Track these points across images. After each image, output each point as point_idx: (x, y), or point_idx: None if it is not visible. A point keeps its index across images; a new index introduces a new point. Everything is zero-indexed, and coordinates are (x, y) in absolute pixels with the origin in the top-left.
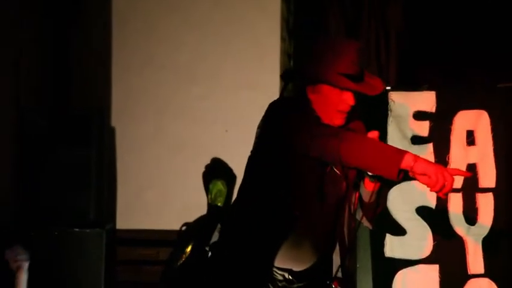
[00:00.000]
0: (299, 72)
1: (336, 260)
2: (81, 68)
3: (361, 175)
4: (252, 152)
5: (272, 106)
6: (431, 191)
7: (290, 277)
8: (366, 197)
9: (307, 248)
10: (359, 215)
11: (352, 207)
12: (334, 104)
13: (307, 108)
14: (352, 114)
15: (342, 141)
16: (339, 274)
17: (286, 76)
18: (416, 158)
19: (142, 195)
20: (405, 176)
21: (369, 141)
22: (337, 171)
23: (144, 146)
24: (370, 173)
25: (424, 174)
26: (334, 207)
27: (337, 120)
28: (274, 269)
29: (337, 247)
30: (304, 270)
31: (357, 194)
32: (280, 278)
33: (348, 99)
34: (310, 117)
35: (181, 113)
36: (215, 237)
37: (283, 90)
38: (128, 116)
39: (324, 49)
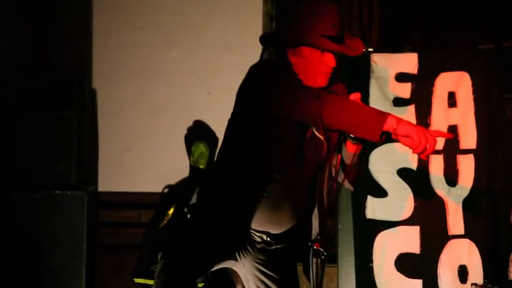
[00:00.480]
0: (279, 35)
1: (315, 223)
2: (62, 30)
3: (343, 137)
4: (232, 114)
5: (252, 69)
6: (413, 152)
7: (268, 239)
8: (347, 159)
9: (286, 211)
10: (341, 177)
11: (333, 169)
12: (315, 66)
13: (289, 71)
14: (334, 77)
15: (324, 104)
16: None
17: (265, 39)
18: (399, 120)
19: (123, 157)
20: (387, 137)
21: (351, 103)
22: (319, 134)
23: (125, 108)
24: (352, 135)
25: (407, 136)
26: (314, 171)
27: (319, 82)
28: (252, 231)
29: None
30: (283, 232)
31: (339, 157)
32: (259, 239)
33: (329, 61)
34: (291, 80)
35: (161, 75)
36: (193, 199)
37: (262, 53)
38: (109, 78)
39: (303, 11)
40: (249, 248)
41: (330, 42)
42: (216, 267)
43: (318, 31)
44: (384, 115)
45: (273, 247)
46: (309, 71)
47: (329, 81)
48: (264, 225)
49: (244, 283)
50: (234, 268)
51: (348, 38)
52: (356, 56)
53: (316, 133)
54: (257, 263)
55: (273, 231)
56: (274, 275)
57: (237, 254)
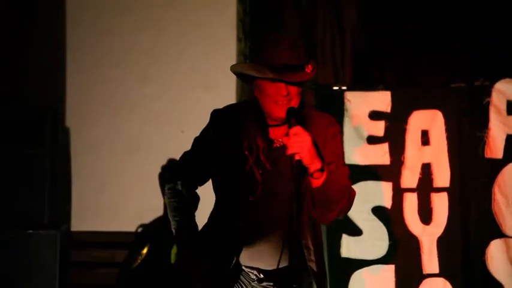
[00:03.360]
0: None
1: None
2: (35, 67)
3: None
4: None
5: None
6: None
7: (261, 275)
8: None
9: (270, 247)
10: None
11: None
12: (269, 96)
13: (256, 108)
14: (299, 108)
15: None
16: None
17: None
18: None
19: (97, 196)
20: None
21: None
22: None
23: (98, 147)
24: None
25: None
26: (289, 205)
27: (276, 113)
28: (246, 268)
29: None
30: (273, 270)
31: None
32: (253, 276)
33: (280, 90)
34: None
35: (135, 112)
36: None
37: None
38: (82, 115)
39: (258, 46)
40: (244, 284)
41: (266, 70)
42: None
43: (264, 62)
44: None
45: (265, 283)
46: (266, 102)
47: (289, 111)
48: (253, 262)
49: None
50: None
51: (298, 66)
52: (302, 82)
53: (253, 166)
54: None
55: (263, 267)
56: None
57: None
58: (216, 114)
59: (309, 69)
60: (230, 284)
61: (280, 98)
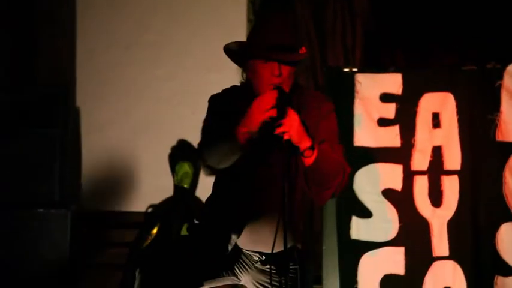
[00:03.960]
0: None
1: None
2: (47, 48)
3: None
4: None
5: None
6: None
7: (263, 257)
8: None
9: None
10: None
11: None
12: (262, 78)
13: (249, 91)
14: (295, 87)
15: None
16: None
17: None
18: (241, 124)
19: (107, 176)
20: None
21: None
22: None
23: (109, 127)
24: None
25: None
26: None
27: None
28: (248, 251)
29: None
30: (279, 253)
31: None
32: (256, 258)
33: (273, 69)
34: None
35: (146, 94)
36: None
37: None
38: (93, 96)
39: (253, 27)
40: (247, 266)
41: (259, 49)
42: (212, 285)
43: (259, 42)
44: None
45: (267, 266)
46: (259, 84)
47: (280, 90)
48: (255, 245)
49: None
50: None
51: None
52: (296, 62)
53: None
54: (258, 283)
55: (264, 250)
56: None
57: (237, 271)
58: (214, 97)
59: (302, 50)
60: (230, 264)
61: (275, 79)
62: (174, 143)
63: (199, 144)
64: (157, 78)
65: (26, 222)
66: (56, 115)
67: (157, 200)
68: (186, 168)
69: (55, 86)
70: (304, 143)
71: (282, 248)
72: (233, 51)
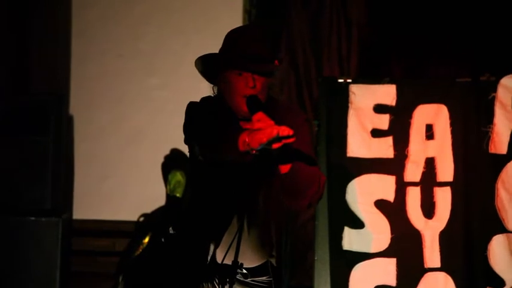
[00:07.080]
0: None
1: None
2: (40, 56)
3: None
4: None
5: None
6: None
7: (244, 271)
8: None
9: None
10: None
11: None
12: (237, 90)
13: (220, 102)
14: (270, 100)
15: None
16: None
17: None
18: (247, 134)
19: (99, 185)
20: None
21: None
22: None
23: (102, 135)
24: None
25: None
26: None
27: (243, 106)
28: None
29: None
30: (255, 267)
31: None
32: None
33: (247, 81)
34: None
35: (140, 102)
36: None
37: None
38: (87, 104)
39: (226, 39)
40: (228, 280)
41: (236, 60)
42: None
43: (234, 53)
44: (237, 138)
45: (249, 279)
46: (233, 97)
47: (254, 98)
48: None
49: None
50: None
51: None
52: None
53: None
54: None
55: (246, 265)
56: None
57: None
58: (193, 104)
59: (276, 62)
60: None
61: (249, 91)
62: (166, 152)
63: (188, 132)
64: (150, 86)
65: (17, 230)
66: (49, 123)
67: (148, 209)
68: (178, 177)
69: (48, 94)
70: None
71: (255, 263)
72: (207, 62)
